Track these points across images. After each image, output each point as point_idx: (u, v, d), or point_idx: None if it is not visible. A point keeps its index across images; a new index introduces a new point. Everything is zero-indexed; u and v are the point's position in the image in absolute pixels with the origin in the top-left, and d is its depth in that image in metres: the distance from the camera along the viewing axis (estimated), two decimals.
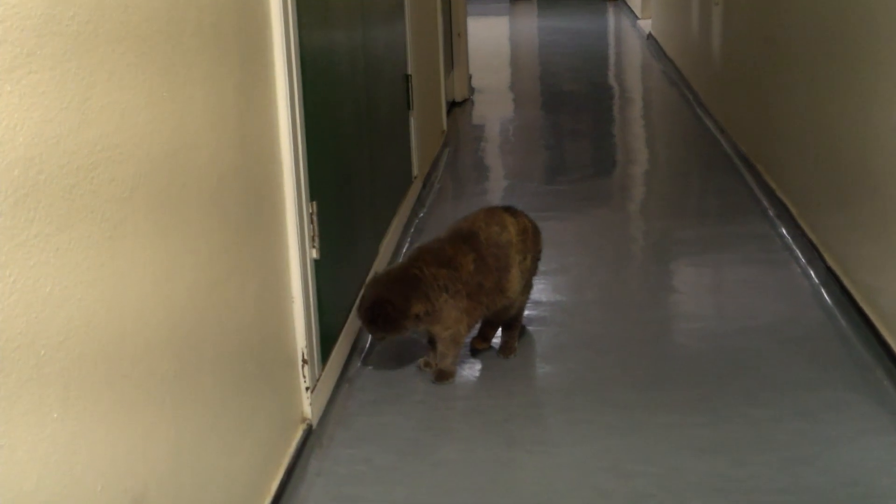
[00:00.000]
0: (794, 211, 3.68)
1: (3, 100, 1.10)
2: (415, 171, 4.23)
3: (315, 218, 2.43)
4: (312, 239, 2.42)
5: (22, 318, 1.14)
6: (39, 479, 1.18)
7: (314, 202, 2.43)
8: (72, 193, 1.26)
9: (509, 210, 2.84)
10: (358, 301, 2.69)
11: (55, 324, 1.21)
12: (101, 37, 1.34)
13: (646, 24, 9.06)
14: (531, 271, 2.85)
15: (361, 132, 3.19)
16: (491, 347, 2.89)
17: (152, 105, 1.51)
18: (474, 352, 2.87)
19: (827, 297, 3.13)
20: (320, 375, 2.49)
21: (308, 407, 2.39)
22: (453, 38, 6.13)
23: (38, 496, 1.18)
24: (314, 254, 2.44)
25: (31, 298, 1.16)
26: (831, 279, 3.14)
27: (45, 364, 1.19)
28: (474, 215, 2.80)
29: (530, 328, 3.02)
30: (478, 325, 2.83)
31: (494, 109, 6.47)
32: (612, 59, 8.59)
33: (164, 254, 1.55)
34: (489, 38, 9.54)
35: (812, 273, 3.31)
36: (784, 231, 3.70)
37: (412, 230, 3.94)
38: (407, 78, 4.09)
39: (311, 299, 2.41)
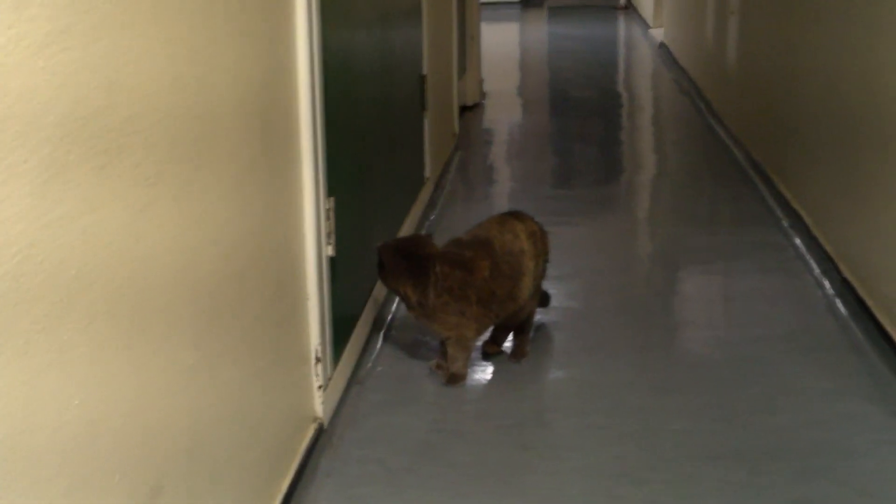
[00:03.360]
0: (808, 221, 3.65)
1: (36, 76, 1.08)
2: (427, 173, 4.20)
3: (332, 214, 2.41)
4: (328, 236, 2.40)
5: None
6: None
7: (332, 198, 2.41)
8: (103, 172, 1.23)
9: (517, 216, 2.81)
10: (386, 242, 2.71)
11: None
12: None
13: (657, 33, 9.04)
14: (541, 275, 2.83)
15: (378, 131, 3.17)
16: (502, 351, 2.87)
17: (177, 65, 1.49)
18: (486, 355, 2.84)
19: (842, 308, 3.10)
20: (332, 374, 2.47)
21: (319, 406, 2.37)
22: (466, 42, 6.11)
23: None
24: (330, 251, 2.41)
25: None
26: (846, 289, 3.12)
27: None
28: (487, 223, 2.77)
29: (541, 332, 2.99)
30: (489, 330, 2.80)
31: (505, 114, 6.45)
32: (622, 67, 8.57)
33: (182, 241, 1.53)
34: (500, 43, 9.53)
35: (827, 283, 3.29)
36: (798, 241, 3.68)
37: (423, 232, 3.91)
38: (422, 78, 4.07)
39: (326, 297, 2.38)
